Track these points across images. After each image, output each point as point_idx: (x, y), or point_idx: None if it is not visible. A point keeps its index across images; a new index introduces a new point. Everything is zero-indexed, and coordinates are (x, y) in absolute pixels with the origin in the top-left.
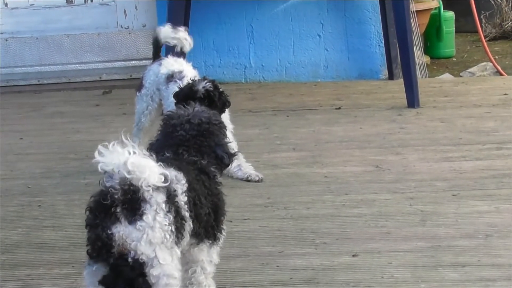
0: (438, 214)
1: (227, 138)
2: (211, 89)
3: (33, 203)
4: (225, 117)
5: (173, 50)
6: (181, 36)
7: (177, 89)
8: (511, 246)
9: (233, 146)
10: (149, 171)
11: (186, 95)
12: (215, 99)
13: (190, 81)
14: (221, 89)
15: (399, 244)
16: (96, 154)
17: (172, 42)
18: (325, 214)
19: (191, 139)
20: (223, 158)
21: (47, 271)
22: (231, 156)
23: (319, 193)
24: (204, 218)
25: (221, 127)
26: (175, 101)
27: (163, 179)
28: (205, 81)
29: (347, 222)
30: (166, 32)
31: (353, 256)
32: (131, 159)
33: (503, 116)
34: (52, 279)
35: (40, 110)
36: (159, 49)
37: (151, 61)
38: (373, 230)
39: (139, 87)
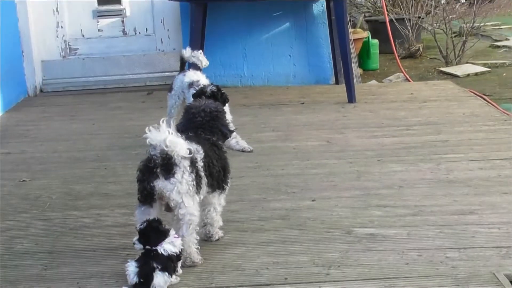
0: (368, 173)
1: (228, 120)
2: (215, 90)
3: (101, 167)
4: (226, 109)
5: (194, 66)
6: (199, 57)
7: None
8: (416, 194)
9: (232, 127)
10: (180, 146)
11: (199, 94)
12: (218, 97)
13: (202, 86)
14: (222, 91)
15: (342, 193)
16: (146, 132)
17: (192, 60)
18: (294, 173)
19: (206, 123)
20: (226, 134)
21: (111, 211)
22: (231, 132)
23: (290, 159)
24: (216, 174)
25: (223, 113)
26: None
27: (188, 152)
28: (212, 85)
29: (308, 178)
30: (188, 53)
31: (313, 201)
32: (169, 137)
33: (410, 108)
34: (114, 217)
35: (106, 105)
36: (184, 64)
37: (178, 72)
38: (326, 184)
39: (170, 89)
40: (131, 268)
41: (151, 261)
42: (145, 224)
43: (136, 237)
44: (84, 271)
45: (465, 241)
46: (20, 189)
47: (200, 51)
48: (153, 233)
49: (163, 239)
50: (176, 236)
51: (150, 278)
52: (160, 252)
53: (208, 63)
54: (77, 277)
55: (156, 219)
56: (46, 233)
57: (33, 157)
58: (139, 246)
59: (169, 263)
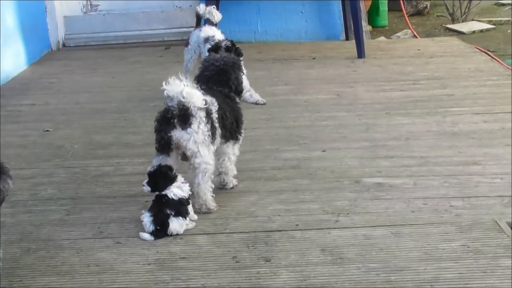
0: (376, 125)
1: (239, 74)
2: (230, 45)
3: (121, 118)
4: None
5: (209, 22)
6: (212, 12)
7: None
8: (422, 145)
9: (245, 82)
10: (196, 97)
11: (214, 49)
12: (233, 51)
13: (217, 41)
14: (236, 46)
15: (351, 144)
16: (164, 84)
17: (207, 16)
18: (305, 125)
19: (213, 76)
20: (231, 87)
21: (130, 160)
22: (239, 85)
23: (301, 112)
24: (229, 126)
25: (234, 67)
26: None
27: (204, 103)
28: (226, 40)
29: (319, 130)
30: (202, 10)
31: (323, 151)
32: (185, 89)
33: (417, 63)
34: (133, 165)
35: (125, 59)
36: (200, 20)
37: (194, 27)
38: (335, 135)
39: (187, 44)
40: (146, 218)
41: (164, 208)
42: (155, 168)
43: (146, 180)
44: (105, 216)
45: (469, 190)
46: (44, 138)
47: (214, 6)
48: (161, 177)
49: (170, 184)
50: (184, 181)
51: (166, 224)
52: (170, 197)
53: (220, 17)
54: (98, 222)
55: (168, 165)
56: (68, 180)
57: (56, 108)
58: (147, 188)
59: (181, 207)
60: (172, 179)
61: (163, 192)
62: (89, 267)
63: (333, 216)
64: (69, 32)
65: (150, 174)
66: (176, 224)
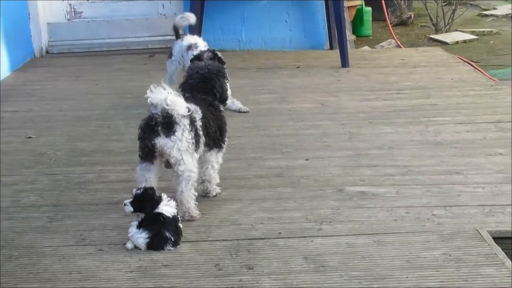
0: (359, 134)
1: (223, 82)
2: (212, 56)
3: (104, 125)
4: None
5: (192, 31)
6: (184, 15)
7: (192, 55)
8: (405, 155)
9: (228, 90)
10: (179, 105)
11: (197, 58)
12: (215, 61)
13: (200, 51)
14: (219, 55)
15: (335, 153)
16: (148, 92)
17: (181, 23)
18: (289, 133)
19: (197, 84)
20: (216, 95)
21: (113, 167)
22: (224, 93)
23: (285, 120)
24: (212, 134)
25: (219, 75)
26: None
27: (187, 110)
28: (208, 51)
29: (302, 138)
30: (177, 18)
31: (306, 160)
32: (169, 97)
33: (401, 73)
34: (116, 173)
35: (109, 67)
36: (178, 31)
37: (175, 39)
38: (319, 144)
39: (170, 55)
40: (141, 239)
41: (163, 230)
42: (141, 190)
43: (129, 200)
44: (87, 223)
45: (451, 199)
46: (27, 145)
47: (189, 12)
48: (148, 201)
49: (157, 207)
50: (169, 198)
51: (160, 249)
52: (167, 216)
53: (195, 18)
54: (80, 229)
55: (152, 187)
56: (51, 187)
57: (39, 115)
58: (129, 208)
59: (179, 229)
60: (157, 201)
61: (158, 211)
62: (71, 274)
63: (316, 224)
64: (53, 39)
65: (137, 197)
66: (169, 249)
